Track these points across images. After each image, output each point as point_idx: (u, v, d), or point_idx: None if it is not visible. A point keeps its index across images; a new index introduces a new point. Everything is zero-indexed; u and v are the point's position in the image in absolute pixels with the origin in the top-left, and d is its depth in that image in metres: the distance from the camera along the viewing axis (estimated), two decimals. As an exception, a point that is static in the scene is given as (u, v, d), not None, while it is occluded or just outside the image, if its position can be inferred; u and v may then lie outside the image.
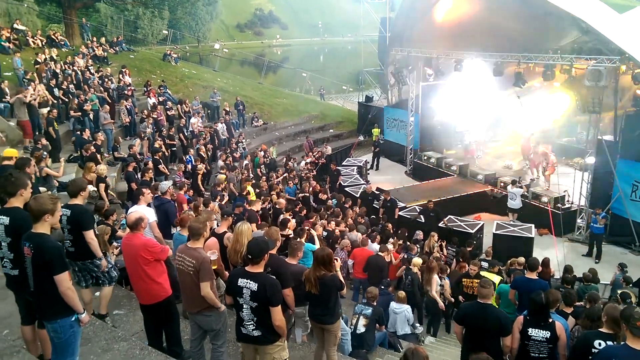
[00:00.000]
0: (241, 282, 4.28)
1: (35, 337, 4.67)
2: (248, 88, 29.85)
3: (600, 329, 4.51)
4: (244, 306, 4.30)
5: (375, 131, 22.83)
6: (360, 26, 28.62)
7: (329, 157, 20.25)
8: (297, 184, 16.13)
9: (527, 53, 15.52)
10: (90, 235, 5.39)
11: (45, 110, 13.53)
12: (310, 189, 14.81)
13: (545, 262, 10.26)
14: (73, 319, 4.11)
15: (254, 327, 4.33)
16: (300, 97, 31.99)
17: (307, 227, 9.10)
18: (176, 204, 8.77)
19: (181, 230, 6.63)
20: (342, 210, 12.82)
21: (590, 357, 4.32)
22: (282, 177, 16.40)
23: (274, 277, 4.48)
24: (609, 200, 13.85)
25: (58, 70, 17.99)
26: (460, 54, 17.22)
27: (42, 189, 8.34)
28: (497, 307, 5.86)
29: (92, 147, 11.92)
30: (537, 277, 7.02)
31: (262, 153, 18.44)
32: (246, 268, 4.37)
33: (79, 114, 14.93)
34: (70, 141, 14.24)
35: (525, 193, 14.97)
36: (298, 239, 7.58)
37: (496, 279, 7.98)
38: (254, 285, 4.23)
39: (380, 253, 9.45)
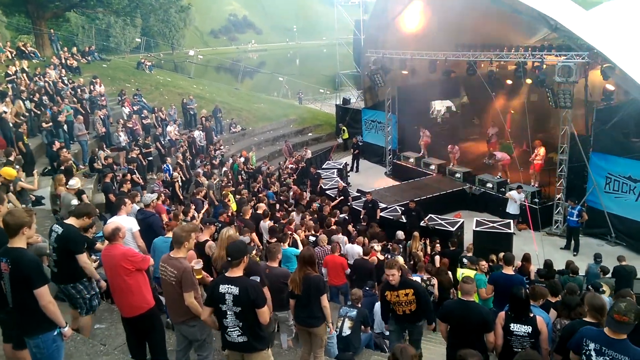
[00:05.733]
0: (222, 288, 4.27)
1: (16, 355, 4.55)
2: (225, 94, 29.73)
3: (585, 319, 4.61)
4: (228, 313, 4.28)
5: (345, 129, 23.25)
6: (334, 29, 28.72)
7: (308, 161, 20.26)
8: (278, 190, 16.08)
9: (498, 52, 15.80)
10: (83, 259, 5.22)
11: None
12: (292, 193, 14.80)
13: (527, 257, 10.42)
14: (55, 333, 4.05)
15: (240, 333, 4.31)
16: (278, 101, 32.00)
17: (289, 232, 9.08)
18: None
19: (167, 233, 6.57)
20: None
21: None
22: (261, 183, 16.33)
23: (255, 280, 4.49)
24: (584, 194, 14.18)
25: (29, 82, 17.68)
26: (434, 54, 17.42)
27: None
28: (479, 303, 5.94)
29: (70, 161, 11.67)
30: (513, 273, 7.07)
31: (242, 159, 18.35)
32: (226, 274, 4.38)
33: (50, 124, 14.50)
34: (44, 154, 13.99)
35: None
36: (281, 244, 7.58)
37: (477, 275, 8.04)
38: (235, 290, 4.23)
39: (365, 257, 9.40)
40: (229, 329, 4.33)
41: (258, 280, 4.72)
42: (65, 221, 5.35)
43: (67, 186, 9.00)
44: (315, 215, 12.85)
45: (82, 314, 5.56)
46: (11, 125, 13.05)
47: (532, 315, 5.09)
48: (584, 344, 4.04)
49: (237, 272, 4.34)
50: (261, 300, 4.27)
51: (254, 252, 6.85)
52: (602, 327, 4.10)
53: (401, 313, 5.90)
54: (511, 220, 13.61)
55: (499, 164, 16.62)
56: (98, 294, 5.83)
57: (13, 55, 22.06)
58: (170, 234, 6.13)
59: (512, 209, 14.41)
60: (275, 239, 8.70)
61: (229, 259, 4.35)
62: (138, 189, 12.07)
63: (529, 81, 15.89)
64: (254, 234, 8.70)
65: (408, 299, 5.77)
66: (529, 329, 5.00)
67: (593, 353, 3.99)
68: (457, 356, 3.79)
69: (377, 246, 10.17)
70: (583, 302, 5.16)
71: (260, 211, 10.84)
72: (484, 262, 9.12)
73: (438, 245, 11.57)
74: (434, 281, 9.19)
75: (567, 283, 7.41)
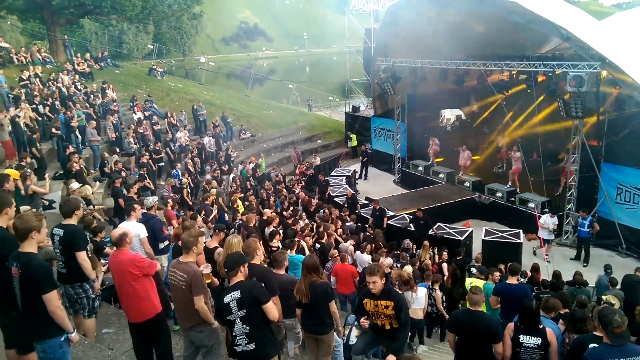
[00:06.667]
0: (227, 298, 4.28)
1: None
2: (235, 101, 29.89)
3: (594, 333, 4.56)
4: (235, 320, 4.26)
5: (353, 137, 23.17)
6: (345, 37, 28.81)
7: (317, 168, 20.27)
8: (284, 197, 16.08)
9: (509, 61, 15.75)
10: (82, 257, 5.26)
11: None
12: (300, 200, 14.79)
13: (535, 268, 10.33)
14: (62, 338, 4.06)
15: (248, 341, 4.26)
16: (288, 108, 32.08)
17: (297, 239, 9.07)
18: (164, 220, 8.72)
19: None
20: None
21: None
22: (270, 190, 16.33)
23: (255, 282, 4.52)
24: (595, 204, 14.03)
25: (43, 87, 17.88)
26: (444, 63, 17.40)
27: (25, 207, 8.22)
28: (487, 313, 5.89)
29: (76, 165, 11.76)
30: (517, 282, 7.00)
31: (251, 165, 18.41)
32: (228, 285, 4.43)
33: (59, 132, 14.52)
34: (56, 159, 14.14)
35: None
36: (288, 251, 7.58)
37: (487, 284, 7.95)
38: (237, 294, 4.24)
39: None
40: (237, 338, 4.29)
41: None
42: (63, 222, 5.39)
43: (69, 188, 9.14)
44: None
45: (85, 316, 5.59)
46: (25, 129, 13.19)
47: (541, 326, 5.04)
48: None
49: (237, 279, 4.37)
50: (264, 296, 4.27)
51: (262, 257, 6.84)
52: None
53: (380, 325, 5.21)
54: (520, 230, 13.50)
55: (509, 172, 16.50)
56: (99, 296, 5.88)
57: (27, 61, 22.38)
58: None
59: (545, 234, 13.65)
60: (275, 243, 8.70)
61: (226, 270, 4.38)
62: (148, 194, 12.16)
63: (540, 91, 15.83)
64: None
65: (387, 312, 5.07)
66: (538, 340, 4.94)
67: None
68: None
69: (387, 260, 10.02)
70: (592, 316, 5.10)
71: (265, 217, 10.88)
72: (497, 273, 9.02)
73: (445, 253, 11.49)
74: (438, 293, 9.11)
75: (577, 295, 7.32)
